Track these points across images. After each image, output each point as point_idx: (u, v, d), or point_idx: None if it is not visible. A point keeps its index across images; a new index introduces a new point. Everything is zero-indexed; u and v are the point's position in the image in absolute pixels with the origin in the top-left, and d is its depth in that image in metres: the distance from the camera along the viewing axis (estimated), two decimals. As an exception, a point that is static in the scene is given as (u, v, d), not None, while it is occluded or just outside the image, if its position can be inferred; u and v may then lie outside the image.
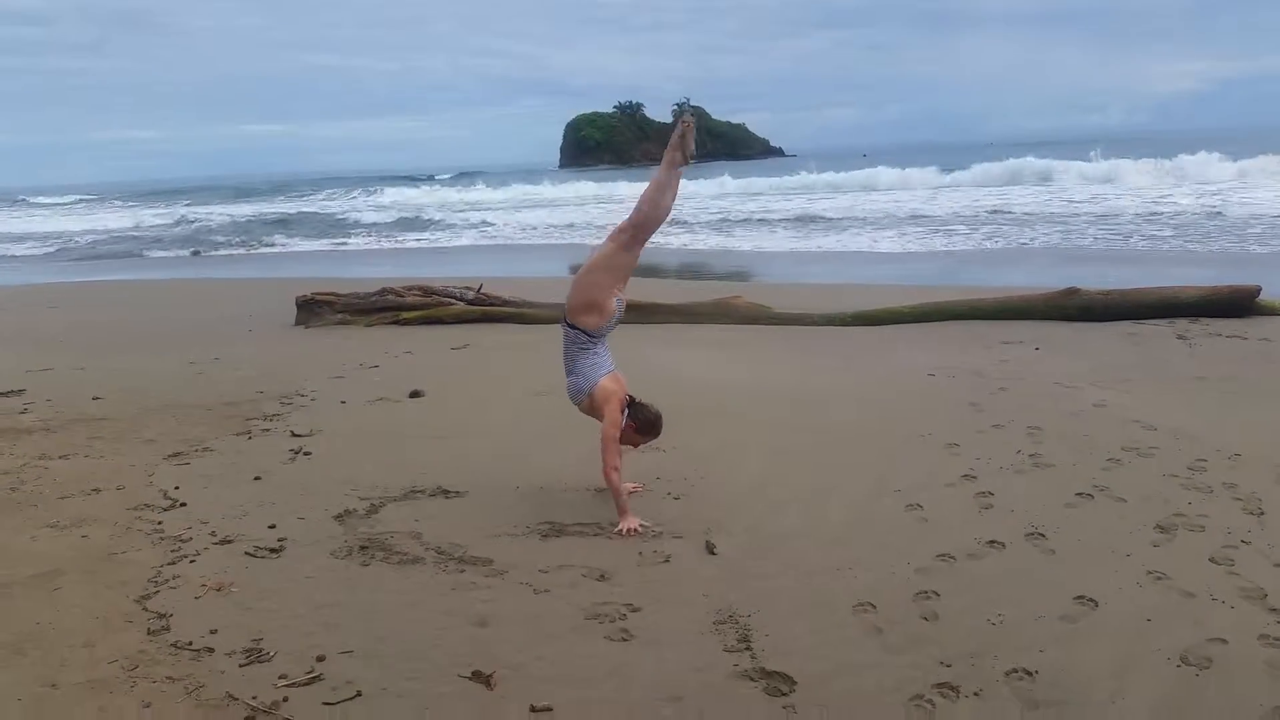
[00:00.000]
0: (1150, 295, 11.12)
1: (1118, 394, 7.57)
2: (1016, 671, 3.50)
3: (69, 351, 10.78)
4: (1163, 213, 24.25)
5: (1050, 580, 4.25)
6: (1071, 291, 11.23)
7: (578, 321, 5.24)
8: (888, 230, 25.19)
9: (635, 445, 5.48)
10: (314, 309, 12.22)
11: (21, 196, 78.26)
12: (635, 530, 4.96)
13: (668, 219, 5.54)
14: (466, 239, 30.31)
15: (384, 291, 12.39)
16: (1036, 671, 3.49)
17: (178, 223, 42.31)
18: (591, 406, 5.29)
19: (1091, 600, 4.03)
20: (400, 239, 31.49)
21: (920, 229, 25.00)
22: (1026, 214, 26.36)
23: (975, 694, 3.37)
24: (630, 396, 5.31)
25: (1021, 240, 21.51)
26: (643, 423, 5.34)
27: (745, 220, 30.67)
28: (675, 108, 5.16)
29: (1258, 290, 10.82)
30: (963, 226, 24.70)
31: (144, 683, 3.58)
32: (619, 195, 43.09)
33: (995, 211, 27.52)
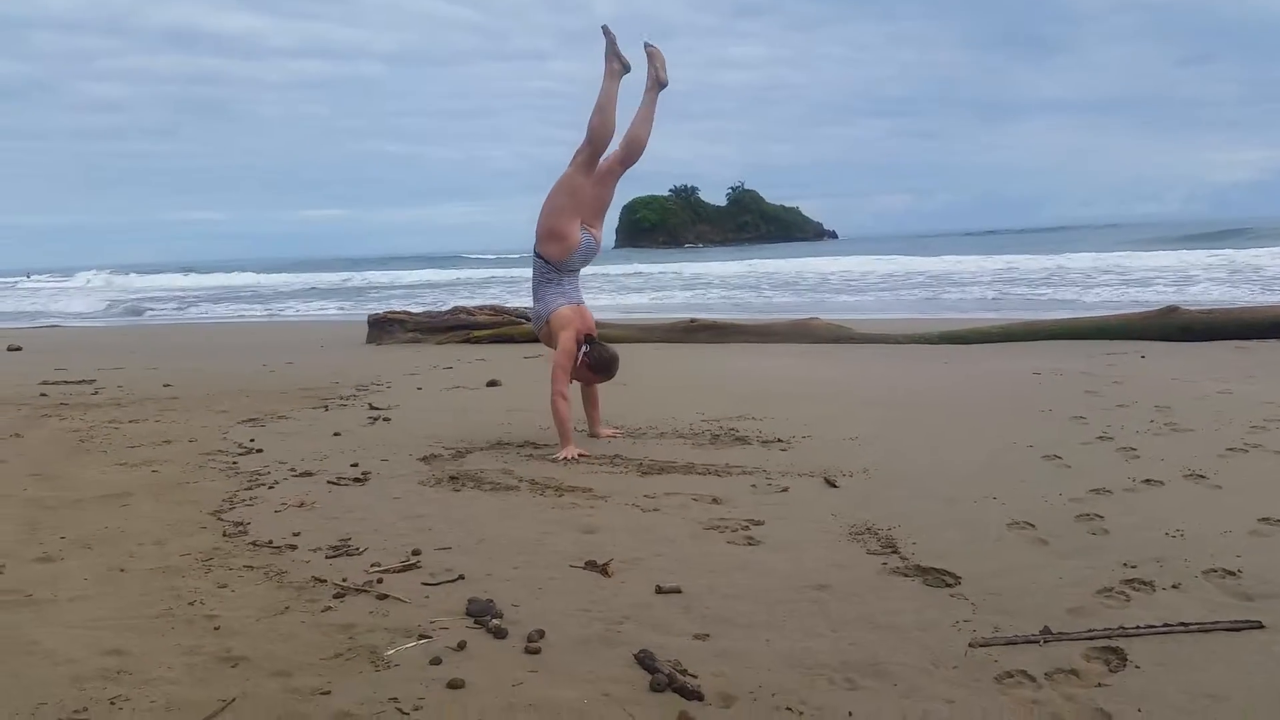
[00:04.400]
0: (1256, 314, 10.49)
1: (1242, 385, 7.02)
2: (1216, 571, 3.01)
3: (140, 357, 10.68)
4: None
5: (1226, 506, 3.76)
6: (1171, 310, 10.66)
7: (541, 250, 5.23)
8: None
9: (588, 383, 5.40)
10: (385, 327, 12.04)
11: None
12: (575, 459, 4.82)
13: (642, 150, 5.32)
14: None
15: (456, 310, 12.21)
16: (1240, 571, 3.01)
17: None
18: (549, 334, 5.22)
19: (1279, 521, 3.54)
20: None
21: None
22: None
23: (1174, 587, 2.89)
24: (590, 335, 5.23)
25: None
26: (597, 361, 5.24)
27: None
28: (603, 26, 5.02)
29: (1374, 310, 10.17)
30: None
31: (220, 570, 3.23)
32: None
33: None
